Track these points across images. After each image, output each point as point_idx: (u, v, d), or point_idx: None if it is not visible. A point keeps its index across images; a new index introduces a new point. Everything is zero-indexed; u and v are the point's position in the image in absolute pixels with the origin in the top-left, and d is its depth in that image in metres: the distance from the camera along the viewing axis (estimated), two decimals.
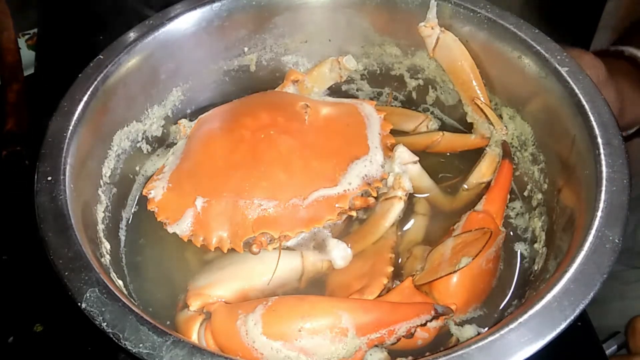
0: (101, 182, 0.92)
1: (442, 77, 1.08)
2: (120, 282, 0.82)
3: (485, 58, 1.00)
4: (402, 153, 0.96)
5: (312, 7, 1.07)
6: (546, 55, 0.90)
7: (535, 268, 0.88)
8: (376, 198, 0.93)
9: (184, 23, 1.01)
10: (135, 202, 1.02)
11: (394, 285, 0.86)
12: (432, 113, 1.13)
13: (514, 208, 0.99)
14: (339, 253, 0.88)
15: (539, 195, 0.95)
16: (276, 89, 1.12)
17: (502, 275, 0.89)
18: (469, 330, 0.84)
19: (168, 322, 0.85)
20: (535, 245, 0.92)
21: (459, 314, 0.83)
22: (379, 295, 0.84)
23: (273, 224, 0.86)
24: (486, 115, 1.00)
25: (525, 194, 0.98)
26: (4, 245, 1.14)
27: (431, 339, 0.81)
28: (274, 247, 0.87)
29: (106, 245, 0.87)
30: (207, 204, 0.88)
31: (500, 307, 0.87)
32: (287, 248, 0.89)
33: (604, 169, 0.77)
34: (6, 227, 1.15)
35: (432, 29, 1.01)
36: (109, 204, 0.93)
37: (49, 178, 0.79)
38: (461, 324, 0.84)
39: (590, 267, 0.69)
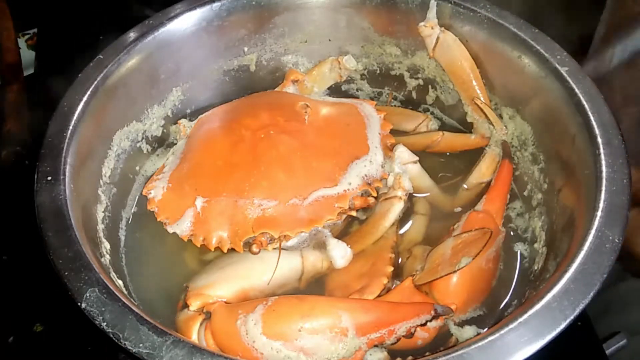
0: (101, 182, 0.92)
1: (442, 77, 1.08)
2: (120, 282, 0.82)
3: (485, 58, 1.00)
4: (402, 153, 0.96)
5: (312, 7, 1.07)
6: (546, 55, 0.90)
7: (535, 268, 0.88)
8: (376, 198, 0.93)
9: (184, 23, 1.01)
10: (135, 202, 1.02)
11: (394, 286, 0.86)
12: (432, 113, 1.13)
13: (514, 208, 0.98)
14: (339, 253, 0.88)
15: (539, 195, 0.95)
16: (276, 89, 1.12)
17: (502, 275, 0.89)
18: (469, 331, 0.83)
19: (168, 322, 0.84)
20: (535, 245, 0.92)
21: (459, 313, 0.83)
22: (379, 295, 0.84)
23: (273, 224, 0.86)
24: (486, 115, 1.00)
25: (525, 194, 0.98)
26: (4, 245, 1.14)
27: (431, 338, 0.81)
28: (274, 247, 0.87)
29: (106, 245, 0.87)
30: (207, 204, 0.88)
31: (500, 307, 0.87)
32: (287, 248, 0.89)
33: (604, 169, 0.77)
34: (6, 227, 1.15)
35: (432, 28, 1.01)
36: (109, 204, 0.93)
37: (49, 178, 0.80)
38: (461, 324, 0.84)
39: (590, 267, 0.69)
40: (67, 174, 0.81)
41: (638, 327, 1.13)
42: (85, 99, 0.88)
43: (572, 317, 0.66)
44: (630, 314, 1.18)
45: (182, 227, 0.89)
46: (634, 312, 1.18)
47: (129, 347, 0.65)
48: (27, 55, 1.57)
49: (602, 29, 1.36)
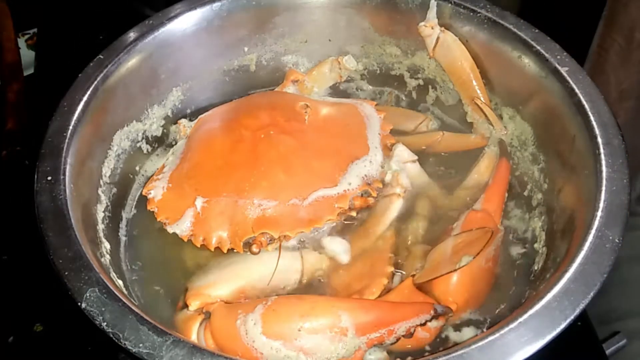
0: (101, 182, 0.92)
1: (442, 77, 1.08)
2: (120, 282, 0.82)
3: (485, 58, 1.00)
4: (402, 152, 0.96)
5: (312, 7, 1.07)
6: (546, 55, 0.90)
7: (535, 268, 0.88)
8: (375, 197, 0.93)
9: (184, 23, 1.01)
10: (135, 202, 1.02)
11: (394, 285, 0.86)
12: (432, 113, 1.13)
13: (514, 208, 0.98)
14: (340, 247, 0.88)
15: (539, 195, 0.95)
16: (276, 89, 1.12)
17: (502, 275, 0.89)
18: (468, 332, 0.83)
19: (168, 322, 0.84)
20: (535, 245, 0.92)
21: (459, 313, 0.83)
22: (379, 296, 0.84)
23: (273, 224, 0.86)
24: (486, 115, 1.00)
25: (525, 194, 0.98)
26: (4, 245, 1.14)
27: (431, 339, 0.81)
28: (274, 247, 0.87)
29: (106, 245, 0.87)
30: (207, 204, 0.88)
31: (501, 307, 0.87)
32: (287, 248, 0.89)
33: (604, 168, 0.77)
34: (6, 227, 1.15)
35: (432, 28, 1.01)
36: (109, 204, 0.93)
37: (49, 178, 0.79)
38: (460, 325, 0.84)
39: (590, 267, 0.69)
40: (67, 174, 0.81)
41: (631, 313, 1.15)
42: (85, 99, 0.88)
43: (572, 317, 0.66)
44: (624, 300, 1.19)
45: (182, 227, 0.89)
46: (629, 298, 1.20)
47: (129, 347, 0.65)
48: (27, 55, 1.57)
49: (602, 26, 1.38)
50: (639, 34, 1.28)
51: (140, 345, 0.65)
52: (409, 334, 0.75)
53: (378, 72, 1.15)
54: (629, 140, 0.81)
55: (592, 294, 0.68)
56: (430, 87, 1.11)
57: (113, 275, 0.82)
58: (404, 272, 0.89)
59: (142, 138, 1.02)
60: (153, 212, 0.92)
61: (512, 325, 0.65)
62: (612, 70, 1.34)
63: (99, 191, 0.91)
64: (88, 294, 0.69)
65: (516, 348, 0.64)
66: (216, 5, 1.02)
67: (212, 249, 0.88)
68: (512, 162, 0.99)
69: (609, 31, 1.34)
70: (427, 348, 0.80)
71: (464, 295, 0.82)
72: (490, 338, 0.65)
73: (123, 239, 0.97)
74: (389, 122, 1.01)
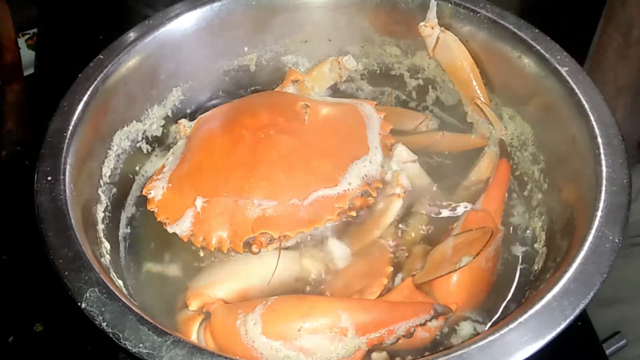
0: (101, 182, 0.92)
1: (442, 77, 1.08)
2: (120, 282, 0.82)
3: (485, 58, 1.00)
4: (401, 152, 0.96)
5: (312, 7, 1.07)
6: (546, 55, 0.90)
7: (535, 268, 0.88)
8: (375, 197, 0.93)
9: (184, 23, 1.01)
10: (135, 202, 1.02)
11: (394, 285, 0.86)
12: (432, 112, 1.13)
13: (514, 209, 0.98)
14: (339, 253, 0.88)
15: (539, 195, 0.95)
16: (276, 89, 1.12)
17: (502, 275, 0.89)
18: (468, 333, 0.83)
19: (168, 323, 0.84)
20: (535, 245, 0.92)
21: (459, 312, 0.83)
22: (380, 295, 0.84)
23: (273, 224, 0.86)
24: (486, 115, 1.00)
25: (525, 194, 0.98)
26: (4, 245, 1.14)
27: (431, 338, 0.81)
28: (274, 247, 0.87)
29: (106, 245, 0.87)
30: (207, 204, 0.88)
31: (501, 307, 0.87)
32: (287, 248, 0.89)
33: (604, 169, 0.77)
34: (6, 227, 1.15)
35: (432, 28, 1.01)
36: (109, 204, 0.93)
37: (49, 178, 0.80)
38: (460, 325, 0.84)
39: (590, 267, 0.69)
40: (67, 174, 0.81)
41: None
42: (85, 99, 0.88)
43: (572, 317, 0.66)
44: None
45: (182, 227, 0.89)
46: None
47: (129, 347, 0.65)
48: (27, 55, 1.57)
49: (602, 23, 1.39)
50: (637, 31, 1.30)
51: (140, 345, 0.65)
52: (409, 334, 0.75)
53: (378, 72, 1.15)
54: (626, 136, 0.81)
55: (592, 294, 0.68)
56: (430, 87, 1.11)
57: (113, 275, 0.82)
58: (404, 272, 0.89)
59: (142, 138, 1.02)
60: (153, 212, 0.92)
61: (512, 325, 0.65)
62: (611, 66, 1.36)
63: (99, 191, 0.92)
64: (88, 294, 0.69)
65: (516, 348, 0.64)
66: (216, 5, 1.02)
67: (212, 249, 0.88)
68: (512, 162, 0.99)
69: (608, 28, 1.36)
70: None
71: (463, 295, 0.82)
72: (490, 338, 0.65)
73: (123, 239, 0.97)
74: (389, 122, 1.01)
